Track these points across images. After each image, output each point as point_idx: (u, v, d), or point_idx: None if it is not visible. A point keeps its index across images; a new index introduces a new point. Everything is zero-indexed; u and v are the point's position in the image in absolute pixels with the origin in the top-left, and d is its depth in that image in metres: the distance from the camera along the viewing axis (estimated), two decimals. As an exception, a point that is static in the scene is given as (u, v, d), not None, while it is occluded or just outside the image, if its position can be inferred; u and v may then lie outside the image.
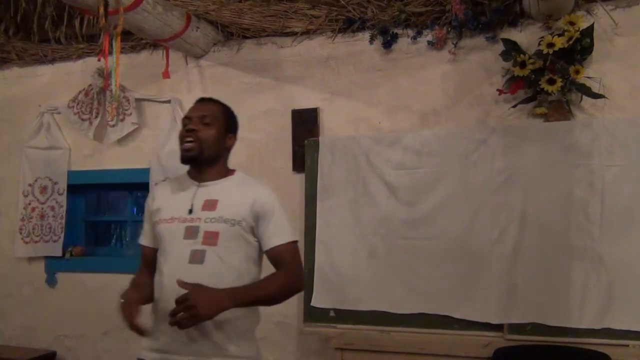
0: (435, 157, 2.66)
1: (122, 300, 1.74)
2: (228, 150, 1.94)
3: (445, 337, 2.54)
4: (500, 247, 2.52)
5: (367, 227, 2.72)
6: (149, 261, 1.91)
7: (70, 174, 3.45)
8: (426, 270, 2.61)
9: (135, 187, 3.48)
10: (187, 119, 1.88)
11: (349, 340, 2.61)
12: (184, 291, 1.57)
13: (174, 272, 1.71)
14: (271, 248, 1.80)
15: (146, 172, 3.22)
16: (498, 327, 2.49)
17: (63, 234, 3.40)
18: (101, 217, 3.73)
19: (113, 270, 3.34)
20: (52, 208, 3.44)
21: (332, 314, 2.71)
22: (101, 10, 2.20)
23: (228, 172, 1.92)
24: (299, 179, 2.94)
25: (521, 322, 2.45)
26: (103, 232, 3.75)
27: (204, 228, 1.76)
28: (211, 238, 1.74)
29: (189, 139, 1.82)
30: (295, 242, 1.85)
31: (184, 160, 1.85)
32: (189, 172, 1.92)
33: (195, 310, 1.53)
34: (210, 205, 1.79)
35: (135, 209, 3.62)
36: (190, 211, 1.79)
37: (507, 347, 2.39)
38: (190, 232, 1.76)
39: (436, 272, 2.60)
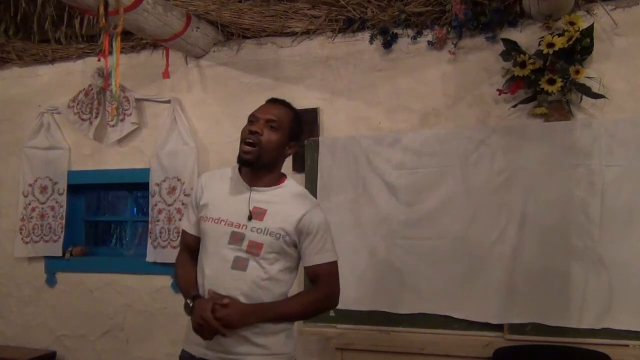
0: (435, 157, 2.66)
1: (194, 302, 1.74)
2: (285, 157, 1.90)
3: (445, 337, 2.55)
4: (500, 247, 2.52)
5: (367, 227, 2.72)
6: (191, 248, 1.91)
7: (70, 174, 3.45)
8: (426, 270, 2.62)
9: (135, 187, 3.48)
10: (253, 118, 1.82)
11: (349, 340, 2.61)
12: (230, 294, 1.72)
13: (217, 275, 1.76)
14: (311, 266, 1.82)
15: (146, 172, 3.22)
16: (498, 327, 2.49)
17: (63, 234, 3.40)
18: (101, 217, 3.73)
19: (113, 270, 3.35)
20: (52, 208, 3.44)
21: (332, 314, 2.71)
22: (101, 10, 2.20)
23: (280, 179, 1.88)
24: (299, 179, 2.93)
25: (521, 322, 2.45)
26: (103, 232, 3.75)
27: (249, 237, 1.76)
28: (255, 248, 1.75)
29: (249, 141, 1.78)
30: (336, 261, 1.87)
31: (241, 161, 1.81)
32: (240, 170, 1.88)
33: (217, 326, 1.65)
34: (258, 214, 1.78)
35: (135, 209, 3.62)
36: (239, 217, 1.78)
37: (507, 347, 2.39)
38: (236, 239, 1.76)
39: (436, 272, 2.60)
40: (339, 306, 2.66)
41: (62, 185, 3.44)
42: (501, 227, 2.53)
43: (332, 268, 1.85)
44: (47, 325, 3.45)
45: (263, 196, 1.81)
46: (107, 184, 3.51)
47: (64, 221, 3.41)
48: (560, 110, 2.54)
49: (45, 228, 3.43)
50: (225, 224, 1.78)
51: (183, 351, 1.83)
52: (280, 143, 1.81)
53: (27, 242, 3.44)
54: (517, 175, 2.53)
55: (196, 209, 1.89)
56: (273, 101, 1.90)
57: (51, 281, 3.45)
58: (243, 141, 1.80)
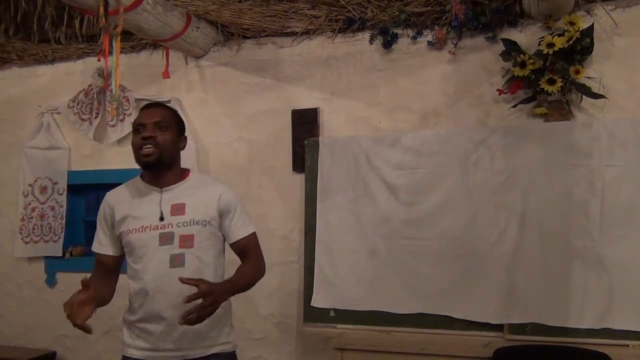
0: (435, 157, 2.66)
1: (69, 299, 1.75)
2: (180, 151, 1.97)
3: (445, 337, 2.54)
4: (500, 247, 2.52)
5: (367, 227, 2.72)
6: (108, 269, 1.93)
7: (70, 174, 3.45)
8: (426, 270, 2.62)
9: (135, 187, 3.48)
10: (140, 126, 1.86)
11: (349, 340, 2.61)
12: (176, 293, 1.71)
13: (157, 278, 1.79)
14: (236, 241, 1.91)
15: (146, 172, 3.22)
16: (498, 327, 2.49)
17: (63, 234, 3.40)
18: (101, 217, 3.73)
19: (113, 270, 3.34)
20: (52, 208, 3.44)
21: (332, 314, 2.71)
22: (101, 10, 2.20)
23: (184, 173, 1.95)
24: (299, 179, 2.94)
25: (521, 322, 2.45)
26: (103, 232, 3.75)
27: (179, 232, 1.81)
28: (187, 241, 1.81)
29: (147, 146, 1.82)
30: (255, 232, 1.96)
31: (145, 165, 1.86)
32: (142, 178, 1.92)
33: (215, 300, 1.65)
34: (178, 209, 1.84)
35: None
36: (161, 218, 1.83)
37: (507, 347, 2.39)
38: (166, 238, 1.81)
39: (436, 272, 2.60)
40: (339, 306, 2.71)
41: (62, 185, 3.44)
42: (501, 227, 2.53)
43: (254, 239, 1.97)
44: (47, 325, 3.44)
45: (176, 192, 1.88)
46: (107, 184, 3.48)
47: (64, 221, 3.41)
48: (560, 110, 2.54)
49: (45, 228, 3.43)
50: (150, 229, 1.82)
51: (123, 356, 1.84)
52: (174, 139, 1.89)
53: (27, 242, 3.44)
54: (517, 175, 2.53)
55: (109, 229, 1.91)
56: (150, 106, 1.96)
57: (51, 281, 3.45)
58: (140, 149, 1.83)
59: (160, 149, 1.83)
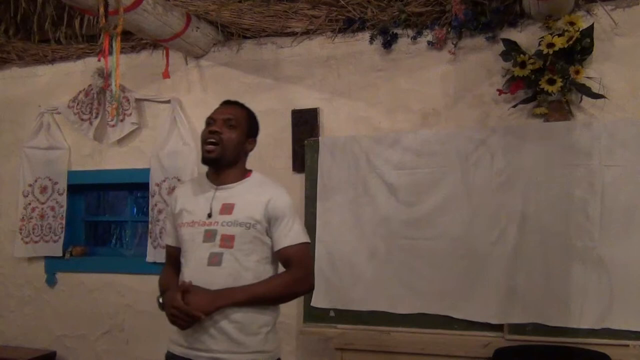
0: (435, 157, 2.66)
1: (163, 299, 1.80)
2: (247, 153, 1.97)
3: (445, 337, 2.55)
4: (500, 247, 2.52)
5: (367, 227, 2.72)
6: (173, 259, 1.97)
7: (70, 174, 3.45)
8: (426, 270, 2.62)
9: (135, 187, 3.48)
10: (211, 120, 1.91)
11: (349, 340, 2.61)
12: None
13: (194, 274, 1.79)
14: (280, 249, 1.84)
15: (146, 172, 3.22)
16: (498, 327, 2.49)
17: (63, 234, 3.40)
18: (101, 217, 3.73)
19: (113, 270, 3.35)
20: (52, 208, 3.44)
21: (332, 314, 2.72)
22: (101, 10, 2.20)
23: (245, 174, 1.94)
24: (299, 179, 2.94)
25: (521, 322, 2.45)
26: (103, 232, 3.75)
27: (221, 231, 1.80)
28: (228, 241, 1.79)
29: (211, 140, 1.85)
30: (306, 243, 1.89)
31: (205, 161, 1.89)
32: (207, 175, 1.95)
33: (189, 310, 1.68)
34: (227, 209, 1.83)
35: (135, 209, 3.62)
36: (209, 215, 1.84)
37: (507, 347, 2.39)
38: (209, 235, 1.81)
39: (436, 272, 2.60)
40: (339, 306, 2.70)
41: (62, 185, 3.44)
42: (501, 227, 2.53)
43: (302, 250, 1.87)
44: (47, 325, 3.45)
45: (230, 192, 1.87)
46: (107, 184, 3.51)
47: (64, 221, 3.41)
48: (560, 110, 2.54)
49: (45, 228, 3.43)
50: (198, 225, 1.84)
51: (167, 352, 1.86)
52: (239, 139, 1.89)
53: (27, 242, 3.44)
54: (517, 175, 2.53)
55: (172, 219, 1.97)
56: (227, 103, 1.99)
57: (51, 281, 3.45)
58: (205, 142, 1.87)
59: (223, 146, 1.84)
